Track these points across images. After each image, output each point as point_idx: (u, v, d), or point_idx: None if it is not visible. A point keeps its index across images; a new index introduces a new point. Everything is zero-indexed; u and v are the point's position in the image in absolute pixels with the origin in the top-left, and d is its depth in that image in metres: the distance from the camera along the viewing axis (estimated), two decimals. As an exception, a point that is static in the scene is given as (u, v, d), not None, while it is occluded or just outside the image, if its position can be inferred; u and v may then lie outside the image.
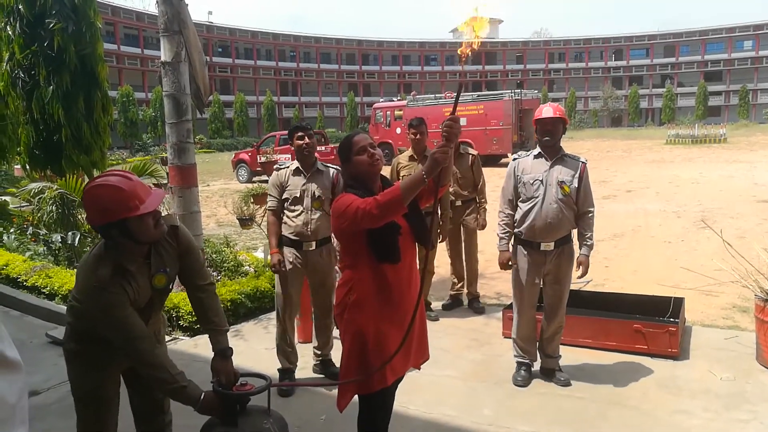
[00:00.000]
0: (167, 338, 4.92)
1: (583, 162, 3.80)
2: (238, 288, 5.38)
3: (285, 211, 3.90)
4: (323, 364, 4.11)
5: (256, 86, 61.62)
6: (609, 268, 6.84)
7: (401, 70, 70.69)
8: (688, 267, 6.22)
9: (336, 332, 3.18)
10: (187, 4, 5.23)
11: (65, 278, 5.85)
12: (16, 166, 11.36)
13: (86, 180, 6.91)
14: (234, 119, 54.39)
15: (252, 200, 7.49)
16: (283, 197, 3.89)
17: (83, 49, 7.46)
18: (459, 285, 5.59)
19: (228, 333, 2.45)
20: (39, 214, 7.11)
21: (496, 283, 5.78)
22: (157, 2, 5.18)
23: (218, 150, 43.28)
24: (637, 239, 8.57)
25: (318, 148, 17.75)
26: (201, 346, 4.56)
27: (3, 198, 8.98)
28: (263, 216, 6.34)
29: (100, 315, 2.12)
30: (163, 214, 2.28)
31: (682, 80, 68.00)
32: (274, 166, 4.12)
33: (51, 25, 7.20)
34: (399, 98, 35.80)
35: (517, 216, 3.81)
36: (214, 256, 6.32)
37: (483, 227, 5.41)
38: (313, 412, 3.55)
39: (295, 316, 4.08)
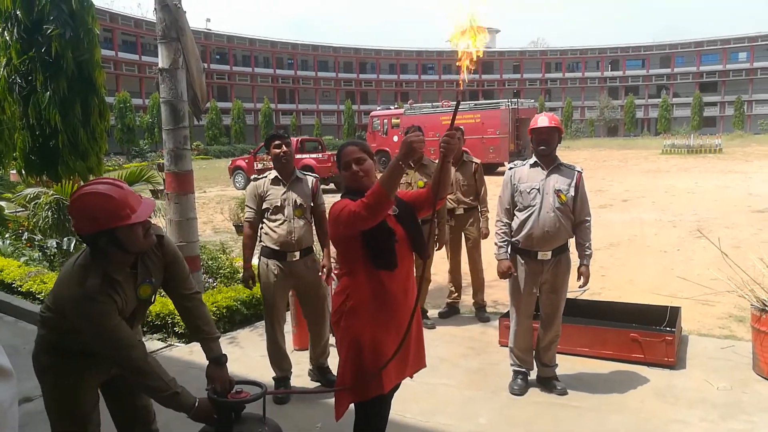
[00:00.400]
0: (162, 345, 4.92)
1: (578, 171, 3.81)
2: (234, 295, 5.36)
3: (265, 221, 3.83)
4: (320, 371, 4.08)
5: (253, 93, 61.73)
6: (605, 277, 6.84)
7: (398, 78, 70.94)
8: (684, 276, 6.23)
9: (332, 339, 3.17)
10: (185, 12, 5.24)
11: (60, 284, 5.81)
12: (12, 172, 11.32)
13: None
14: (231, 126, 54.47)
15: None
16: (263, 207, 3.82)
17: (81, 55, 7.46)
18: (456, 294, 5.59)
19: (223, 340, 2.43)
20: (34, 220, 7.09)
21: (492, 292, 5.77)
22: (155, 9, 5.20)
23: (215, 157, 43.29)
24: (633, 248, 8.59)
25: (315, 156, 17.70)
26: (196, 353, 4.52)
27: (-2, 203, 8.93)
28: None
29: (89, 326, 2.07)
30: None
31: (677, 91, 68.39)
32: (252, 176, 4.08)
33: (48, 31, 7.20)
34: (396, 106, 35.88)
35: (514, 225, 3.81)
36: (210, 262, 6.30)
37: (486, 236, 5.41)
38: (309, 420, 3.53)
39: (283, 324, 4.03)
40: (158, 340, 5.01)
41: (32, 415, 3.63)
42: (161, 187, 7.51)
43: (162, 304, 5.01)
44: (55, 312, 2.18)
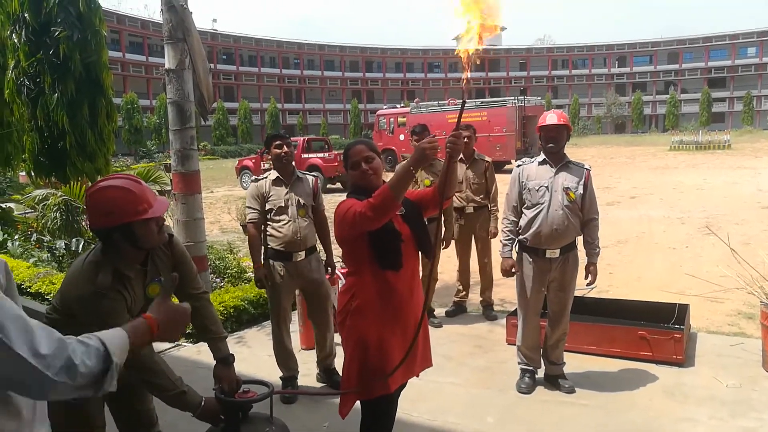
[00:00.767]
0: (170, 344, 4.93)
1: (587, 169, 3.79)
2: (242, 294, 5.38)
3: (269, 222, 3.82)
4: (326, 372, 4.09)
5: (260, 93, 61.88)
6: (613, 274, 6.81)
7: (405, 77, 70.90)
8: (693, 273, 6.20)
9: (337, 338, 3.17)
10: (192, 12, 5.25)
11: (69, 285, 5.85)
12: (21, 173, 11.42)
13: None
14: (238, 126, 54.63)
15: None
16: (267, 208, 3.81)
17: (88, 56, 7.51)
18: (463, 293, 5.58)
19: (231, 340, 2.45)
20: (43, 221, 7.13)
21: (499, 290, 5.76)
22: (161, 10, 5.21)
23: (222, 157, 43.45)
24: (642, 246, 8.54)
25: (321, 155, 17.71)
26: (204, 352, 4.53)
27: (8, 204, 9.00)
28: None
29: (97, 322, 2.08)
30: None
31: (685, 87, 67.98)
32: (252, 177, 4.08)
33: (56, 33, 7.24)
34: (402, 105, 35.87)
35: (522, 223, 3.80)
36: (217, 262, 6.32)
37: (495, 236, 5.37)
38: (316, 420, 3.53)
39: (289, 324, 4.04)
40: (166, 339, 5.02)
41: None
42: (168, 188, 7.54)
43: (170, 304, 5.02)
44: (61, 313, 2.19)
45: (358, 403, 2.48)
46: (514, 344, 4.06)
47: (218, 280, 6.08)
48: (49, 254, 7.08)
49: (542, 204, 3.70)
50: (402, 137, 24.59)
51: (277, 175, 3.86)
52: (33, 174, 7.97)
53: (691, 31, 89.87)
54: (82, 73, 7.45)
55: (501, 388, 3.92)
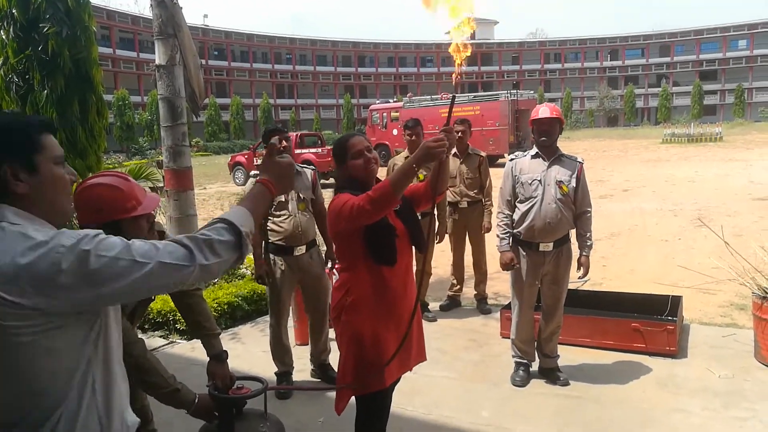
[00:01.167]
0: (164, 342, 4.92)
1: (580, 162, 3.80)
2: (235, 291, 5.37)
3: (269, 217, 3.83)
4: (321, 368, 4.09)
5: (252, 89, 61.59)
6: (606, 267, 6.84)
7: (397, 71, 70.72)
8: (686, 265, 6.23)
9: (332, 334, 3.17)
10: (182, 8, 5.22)
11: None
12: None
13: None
14: (230, 122, 54.37)
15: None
16: None
17: (78, 53, 7.41)
18: (458, 287, 5.59)
19: (225, 336, 2.44)
20: (34, 219, 7.08)
21: (493, 283, 5.77)
22: (151, 5, 5.18)
23: (215, 153, 43.22)
24: (634, 238, 8.58)
25: (314, 150, 17.67)
26: (198, 349, 4.52)
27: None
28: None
29: None
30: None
31: (677, 79, 68.15)
32: (252, 172, 4.08)
33: (45, 29, 7.14)
34: (395, 100, 35.80)
35: (515, 216, 3.80)
36: (210, 259, 6.29)
37: (488, 230, 5.37)
38: (311, 415, 3.53)
39: (287, 319, 4.05)
40: (160, 337, 5.01)
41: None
42: (161, 184, 7.50)
43: (163, 301, 5.01)
44: None
45: (352, 398, 2.48)
46: (509, 338, 4.07)
47: (212, 276, 6.06)
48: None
49: (535, 198, 3.70)
50: (395, 132, 24.55)
51: None
52: (23, 172, 7.91)
53: (682, 24, 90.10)
54: (72, 69, 7.36)
55: (495, 381, 3.93)
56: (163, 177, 6.20)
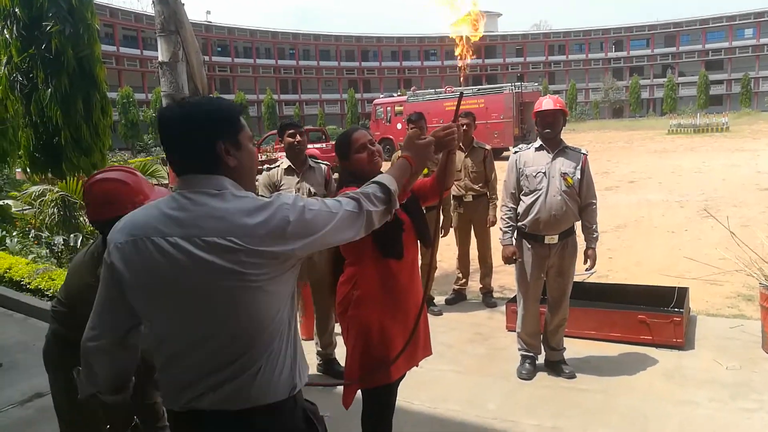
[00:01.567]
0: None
1: (584, 153, 3.78)
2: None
3: None
4: (327, 363, 4.09)
5: (255, 85, 61.57)
6: (612, 259, 6.81)
7: (401, 65, 70.52)
8: (692, 257, 6.20)
9: (338, 328, 3.17)
10: (184, 4, 5.20)
11: (68, 280, 5.84)
12: (17, 170, 11.38)
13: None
14: (234, 118, 54.34)
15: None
16: None
17: (81, 51, 7.46)
18: (463, 281, 5.58)
19: None
20: (41, 217, 7.12)
21: (499, 276, 5.76)
22: (153, 2, 5.17)
23: (219, 149, 43.27)
24: (641, 230, 8.54)
25: (319, 145, 17.60)
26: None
27: (5, 201, 8.98)
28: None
29: None
30: None
31: (683, 70, 67.68)
32: (264, 166, 4.08)
33: (48, 28, 7.19)
34: (399, 94, 35.72)
35: (520, 209, 3.79)
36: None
37: (494, 224, 5.34)
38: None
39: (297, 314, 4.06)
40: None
41: (44, 410, 3.66)
42: (166, 181, 7.52)
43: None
44: (66, 306, 2.20)
45: (359, 392, 2.48)
46: (514, 331, 4.06)
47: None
48: (47, 250, 7.07)
49: (540, 190, 3.68)
50: (399, 126, 24.52)
51: (289, 163, 3.88)
52: (29, 170, 7.96)
53: (687, 13, 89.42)
54: (75, 67, 7.41)
55: (501, 374, 3.93)
56: (167, 174, 6.22)
